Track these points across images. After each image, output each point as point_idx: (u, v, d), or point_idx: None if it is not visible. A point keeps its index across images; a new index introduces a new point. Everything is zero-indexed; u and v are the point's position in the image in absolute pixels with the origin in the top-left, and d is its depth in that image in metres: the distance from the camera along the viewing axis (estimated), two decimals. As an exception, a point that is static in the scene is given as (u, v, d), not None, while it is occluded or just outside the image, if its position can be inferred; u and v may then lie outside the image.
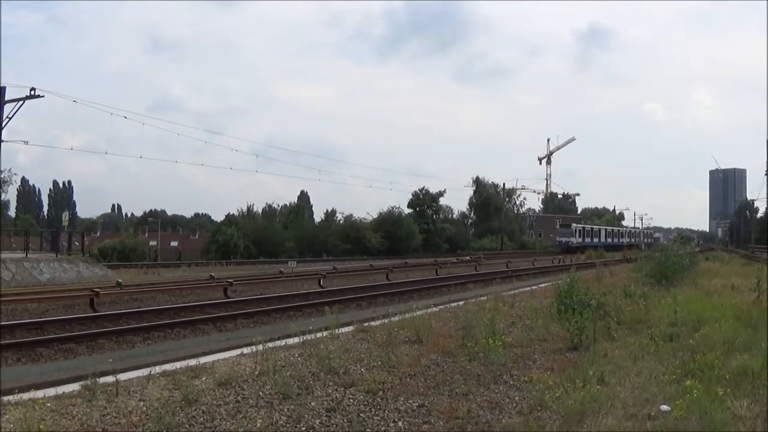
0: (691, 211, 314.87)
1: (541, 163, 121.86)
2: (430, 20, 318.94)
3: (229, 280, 20.02)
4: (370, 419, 6.19)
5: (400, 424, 6.10)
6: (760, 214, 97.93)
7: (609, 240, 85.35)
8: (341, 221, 64.76)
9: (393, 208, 64.68)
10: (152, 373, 7.35)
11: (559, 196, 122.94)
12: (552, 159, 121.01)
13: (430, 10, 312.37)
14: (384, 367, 8.16)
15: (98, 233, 69.75)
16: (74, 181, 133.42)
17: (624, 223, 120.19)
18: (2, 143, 25.14)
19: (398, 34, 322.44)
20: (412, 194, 69.45)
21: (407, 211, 67.28)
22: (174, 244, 63.20)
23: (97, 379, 6.69)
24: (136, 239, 48.51)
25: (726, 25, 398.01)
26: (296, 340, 9.46)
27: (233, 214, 60.14)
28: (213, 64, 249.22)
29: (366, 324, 11.28)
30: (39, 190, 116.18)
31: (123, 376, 7.05)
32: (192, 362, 8.07)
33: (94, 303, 15.43)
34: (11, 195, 78.62)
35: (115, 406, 6.12)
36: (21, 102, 25.35)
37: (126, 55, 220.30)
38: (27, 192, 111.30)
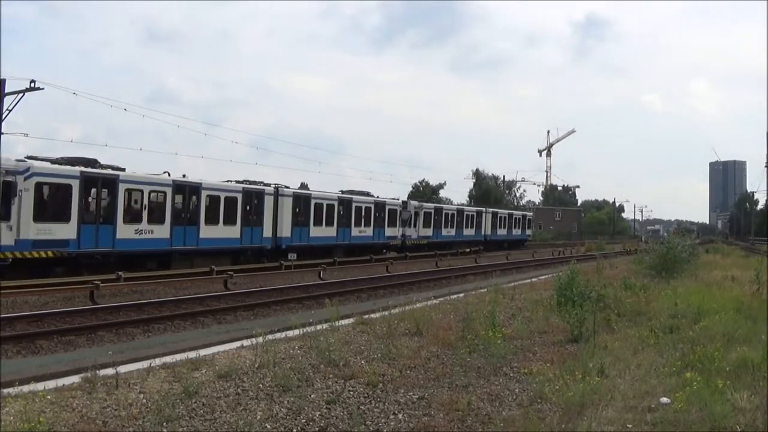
0: (691, 203, 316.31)
1: (541, 155, 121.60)
2: (426, 10, 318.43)
3: (230, 272, 19.98)
4: (370, 411, 6.20)
5: (400, 416, 6.10)
6: (760, 206, 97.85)
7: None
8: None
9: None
10: (152, 365, 7.35)
11: (559, 188, 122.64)
12: (552, 151, 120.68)
13: (426, 1, 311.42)
14: (384, 360, 8.16)
15: (98, 225, 69.52)
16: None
17: (624, 215, 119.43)
18: (2, 135, 25.03)
19: (394, 25, 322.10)
20: (413, 186, 69.77)
21: (407, 203, 67.22)
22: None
23: (97, 372, 6.70)
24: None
25: (725, 15, 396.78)
26: (296, 332, 9.47)
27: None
28: (209, 56, 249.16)
29: (366, 316, 11.29)
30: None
31: (123, 369, 7.06)
32: (192, 354, 8.07)
33: (94, 295, 15.40)
34: (11, 187, 78.43)
35: (115, 398, 6.12)
36: (21, 94, 25.21)
37: (122, 47, 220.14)
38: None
